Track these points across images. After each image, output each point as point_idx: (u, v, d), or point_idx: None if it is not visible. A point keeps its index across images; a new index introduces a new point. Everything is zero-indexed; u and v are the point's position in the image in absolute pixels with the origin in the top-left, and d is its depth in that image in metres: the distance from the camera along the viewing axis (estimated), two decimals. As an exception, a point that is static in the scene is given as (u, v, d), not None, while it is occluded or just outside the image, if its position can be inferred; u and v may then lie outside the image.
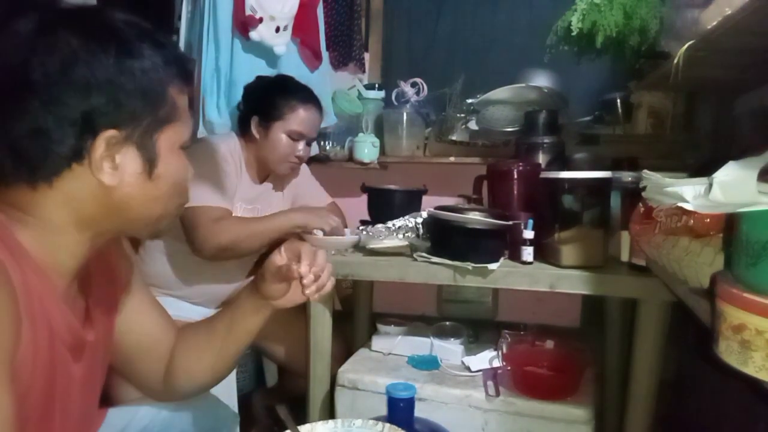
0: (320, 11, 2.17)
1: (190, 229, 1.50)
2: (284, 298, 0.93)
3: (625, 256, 1.31)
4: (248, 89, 1.74)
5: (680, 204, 0.71)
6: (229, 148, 1.66)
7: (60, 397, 0.71)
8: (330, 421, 1.02)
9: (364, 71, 2.51)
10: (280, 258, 0.91)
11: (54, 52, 0.64)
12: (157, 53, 0.70)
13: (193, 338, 0.96)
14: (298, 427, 0.98)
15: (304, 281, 0.87)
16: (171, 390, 0.96)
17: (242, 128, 1.72)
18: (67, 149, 0.65)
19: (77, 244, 0.71)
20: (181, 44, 2.02)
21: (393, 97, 2.36)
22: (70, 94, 0.64)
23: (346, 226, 1.79)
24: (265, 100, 1.68)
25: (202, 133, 1.93)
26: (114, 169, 0.68)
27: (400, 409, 1.17)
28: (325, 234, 1.59)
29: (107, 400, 1.12)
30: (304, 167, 1.89)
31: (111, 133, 0.66)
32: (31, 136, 0.64)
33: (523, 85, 2.04)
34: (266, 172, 1.76)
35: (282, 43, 1.95)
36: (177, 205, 0.78)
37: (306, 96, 1.70)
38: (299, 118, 1.66)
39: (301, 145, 1.69)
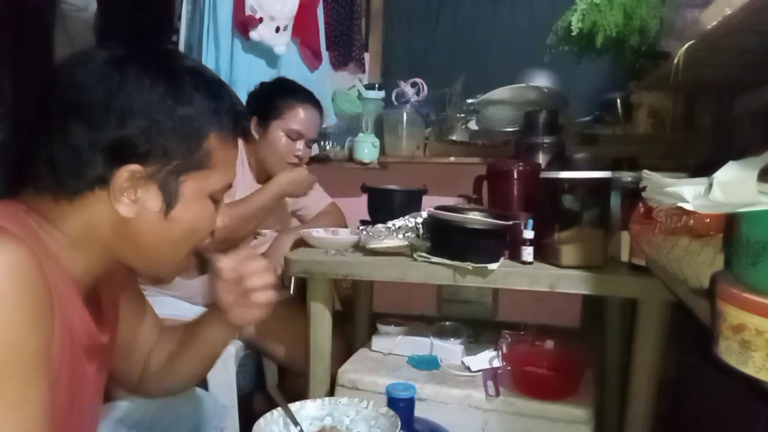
0: (320, 11, 2.17)
1: None
2: (234, 311, 0.90)
3: (625, 256, 1.31)
4: (250, 95, 1.76)
5: (680, 204, 0.70)
6: None
7: (77, 397, 0.73)
8: (318, 399, 1.05)
9: (364, 71, 2.51)
10: (225, 261, 0.89)
11: (108, 80, 0.67)
12: (206, 102, 0.72)
13: (167, 343, 0.98)
14: (289, 405, 1.01)
15: (222, 275, 0.86)
16: (143, 389, 0.98)
17: None
18: (94, 173, 0.68)
19: (93, 264, 0.73)
20: (181, 44, 2.03)
21: (393, 97, 2.36)
22: (107, 120, 0.67)
23: (346, 226, 1.79)
24: (264, 101, 1.69)
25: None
26: (133, 202, 0.70)
27: (400, 409, 1.16)
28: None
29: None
30: None
31: (135, 167, 0.68)
32: (66, 152, 0.67)
33: (523, 85, 2.03)
34: (267, 174, 1.76)
35: (282, 43, 1.95)
36: (186, 252, 0.79)
37: (305, 96, 1.71)
38: (298, 117, 1.67)
39: (300, 145, 1.69)
